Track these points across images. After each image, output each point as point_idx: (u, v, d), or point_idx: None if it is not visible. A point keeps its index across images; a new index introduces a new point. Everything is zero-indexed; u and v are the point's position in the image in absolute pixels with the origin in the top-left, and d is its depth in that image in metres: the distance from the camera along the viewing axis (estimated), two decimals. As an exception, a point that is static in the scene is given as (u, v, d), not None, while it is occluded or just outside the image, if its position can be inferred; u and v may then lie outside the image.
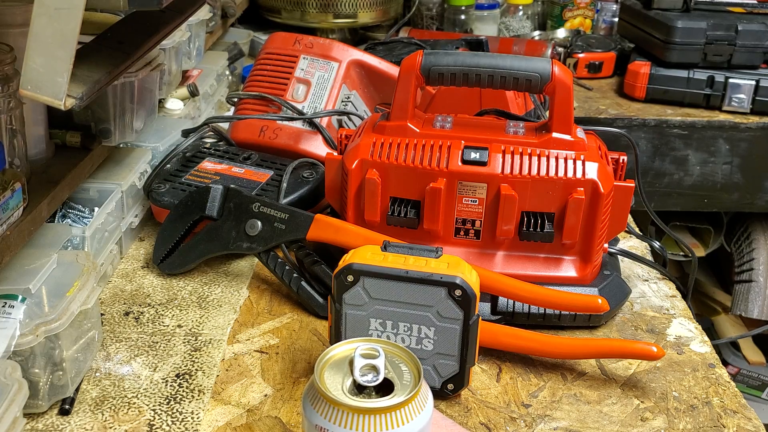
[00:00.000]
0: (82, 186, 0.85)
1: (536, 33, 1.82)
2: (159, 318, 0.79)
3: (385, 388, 0.49)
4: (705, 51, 1.44)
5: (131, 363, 0.72)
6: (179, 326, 0.78)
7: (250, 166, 0.96)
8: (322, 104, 1.01)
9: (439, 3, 1.77)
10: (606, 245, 0.80)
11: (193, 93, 1.18)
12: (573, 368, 0.73)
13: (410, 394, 0.47)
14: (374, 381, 0.48)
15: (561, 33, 1.80)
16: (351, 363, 0.49)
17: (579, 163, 0.75)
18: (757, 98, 1.43)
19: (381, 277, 0.62)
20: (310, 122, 0.99)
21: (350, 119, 1.02)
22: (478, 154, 0.75)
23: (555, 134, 0.76)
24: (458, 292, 0.61)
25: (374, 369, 0.49)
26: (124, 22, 0.80)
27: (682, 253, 1.64)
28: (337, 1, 1.58)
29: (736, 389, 0.71)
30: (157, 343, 0.75)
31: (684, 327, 0.80)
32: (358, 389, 0.49)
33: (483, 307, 0.77)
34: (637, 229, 0.97)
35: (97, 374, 0.71)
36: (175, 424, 0.65)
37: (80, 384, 0.69)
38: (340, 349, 0.52)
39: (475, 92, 1.03)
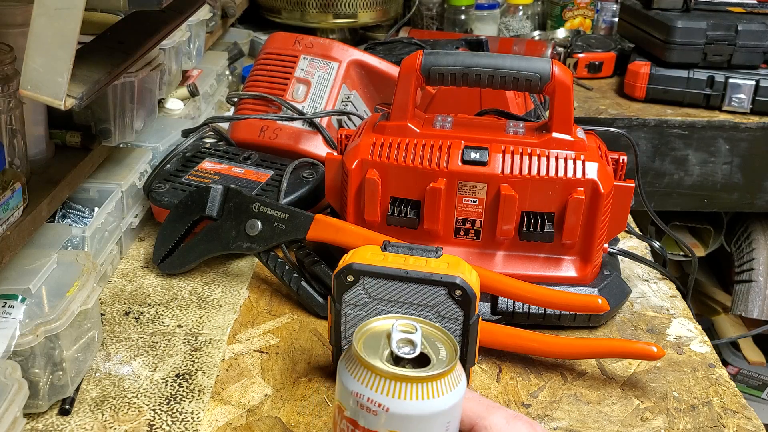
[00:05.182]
0: (82, 186, 0.85)
1: (536, 33, 1.82)
2: (159, 318, 0.79)
3: (421, 362, 0.49)
4: (705, 51, 1.44)
5: (131, 363, 0.72)
6: (179, 326, 0.78)
7: (250, 166, 0.96)
8: (322, 104, 1.01)
9: (439, 3, 1.77)
10: (606, 245, 0.80)
11: (193, 93, 1.18)
12: (573, 368, 0.73)
13: (448, 367, 0.47)
14: (411, 353, 0.49)
15: (561, 33, 1.80)
16: (389, 336, 0.50)
17: (579, 163, 0.75)
18: (757, 98, 1.43)
19: (381, 277, 0.62)
20: (310, 122, 0.99)
21: (350, 119, 1.02)
22: (478, 154, 0.75)
23: (555, 134, 0.76)
24: (458, 292, 0.61)
25: (411, 343, 0.49)
26: (124, 22, 0.80)
27: (682, 253, 1.64)
28: (337, 1, 1.58)
29: (736, 389, 0.71)
30: (157, 343, 0.75)
31: (684, 327, 0.80)
32: (395, 361, 0.49)
33: (483, 307, 0.77)
34: (637, 229, 0.97)
35: (97, 374, 0.71)
36: (175, 424, 0.65)
37: (80, 384, 0.69)
38: (377, 323, 0.52)
39: (475, 92, 1.03)
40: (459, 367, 0.49)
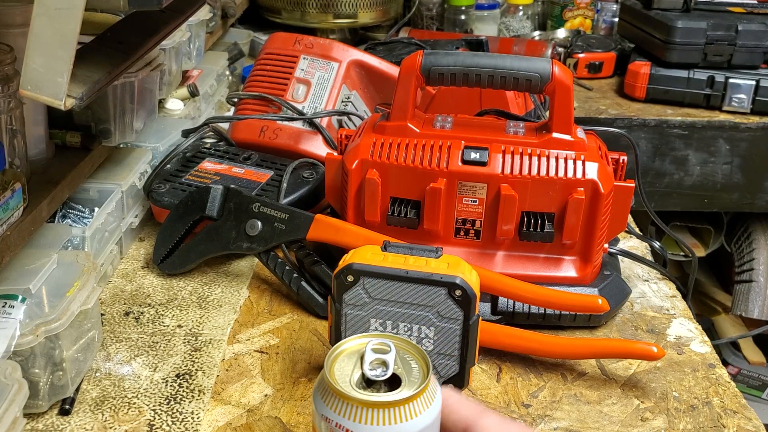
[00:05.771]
0: (82, 186, 0.85)
1: (536, 33, 1.82)
2: (159, 318, 0.79)
3: (395, 382, 0.49)
4: (705, 51, 1.44)
5: (131, 363, 0.72)
6: (179, 326, 0.78)
7: (250, 166, 0.96)
8: (322, 104, 1.01)
9: (439, 3, 1.77)
10: (606, 245, 0.80)
11: (193, 93, 1.18)
12: (573, 368, 0.73)
13: (418, 390, 0.47)
14: (383, 375, 0.49)
15: (561, 33, 1.80)
16: (361, 357, 0.50)
17: (579, 163, 0.75)
18: (757, 98, 1.43)
19: (381, 277, 0.62)
20: (310, 122, 0.99)
21: (350, 119, 1.02)
22: (478, 154, 0.75)
23: (555, 134, 0.76)
24: (458, 292, 0.61)
25: (384, 364, 0.49)
26: (124, 22, 0.80)
27: (682, 253, 1.64)
28: (337, 1, 1.58)
29: (736, 389, 0.71)
30: (157, 343, 0.75)
31: (684, 327, 0.80)
32: (367, 383, 0.49)
33: (483, 307, 0.77)
34: (637, 229, 0.97)
35: (97, 374, 0.71)
36: (175, 424, 0.65)
37: (80, 384, 0.69)
38: (351, 343, 0.52)
39: (475, 92, 1.03)
40: (432, 385, 0.49)
